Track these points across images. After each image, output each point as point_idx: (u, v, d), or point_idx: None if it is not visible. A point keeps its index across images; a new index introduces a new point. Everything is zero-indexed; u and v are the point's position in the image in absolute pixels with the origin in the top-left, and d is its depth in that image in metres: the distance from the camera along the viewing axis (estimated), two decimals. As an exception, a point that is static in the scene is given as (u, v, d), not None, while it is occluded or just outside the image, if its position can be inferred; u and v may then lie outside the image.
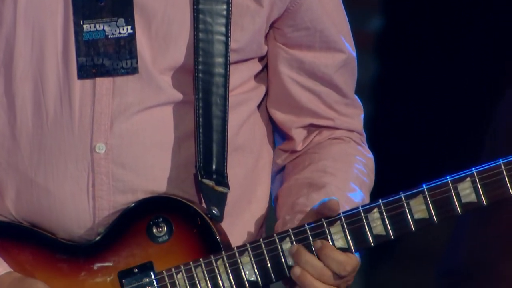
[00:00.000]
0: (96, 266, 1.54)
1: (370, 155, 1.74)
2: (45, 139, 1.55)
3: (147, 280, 1.52)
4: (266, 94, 1.70)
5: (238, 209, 1.63)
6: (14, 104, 1.56)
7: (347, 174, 1.66)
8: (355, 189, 1.64)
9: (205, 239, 1.55)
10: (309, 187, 1.62)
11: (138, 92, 1.56)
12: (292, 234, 1.51)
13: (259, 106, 1.69)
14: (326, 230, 1.50)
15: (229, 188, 1.57)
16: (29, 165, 1.56)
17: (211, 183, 1.55)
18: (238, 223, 1.64)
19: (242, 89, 1.63)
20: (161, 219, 1.54)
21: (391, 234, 1.50)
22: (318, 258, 1.49)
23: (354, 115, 1.74)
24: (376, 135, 3.96)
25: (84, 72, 1.54)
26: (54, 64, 1.54)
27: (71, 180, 1.55)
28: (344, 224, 1.50)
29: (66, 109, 1.54)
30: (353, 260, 1.50)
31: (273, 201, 1.71)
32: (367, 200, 1.66)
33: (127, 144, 1.56)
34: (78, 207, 1.55)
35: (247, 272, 1.52)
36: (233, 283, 1.51)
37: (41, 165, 1.55)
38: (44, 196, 1.56)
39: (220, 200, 1.56)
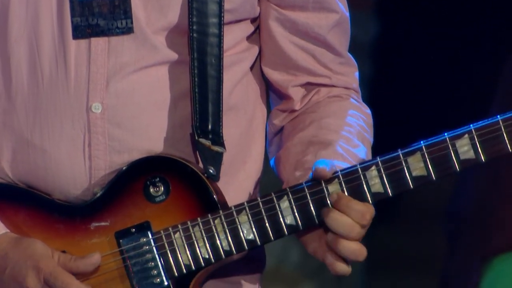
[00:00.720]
0: (93, 226, 1.54)
1: (368, 110, 1.74)
2: (41, 100, 1.54)
3: (144, 239, 1.52)
4: (259, 55, 1.69)
5: (233, 168, 1.63)
6: (9, 65, 1.55)
7: (350, 131, 1.65)
8: (359, 145, 1.63)
9: (202, 198, 1.54)
10: (315, 145, 1.61)
11: (133, 52, 1.55)
12: (290, 193, 1.51)
13: (252, 68, 1.68)
14: (324, 188, 1.50)
15: (225, 148, 1.57)
16: (25, 125, 1.55)
17: (207, 142, 1.55)
18: (234, 183, 1.63)
19: (236, 49, 1.63)
20: (158, 179, 1.53)
21: (389, 191, 1.49)
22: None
23: (349, 73, 1.73)
24: (376, 94, 3.98)
25: (79, 32, 1.53)
26: (49, 25, 1.53)
27: (67, 140, 1.54)
28: (342, 183, 1.49)
29: (61, 69, 1.53)
30: (370, 209, 1.50)
31: (274, 163, 1.70)
32: (370, 156, 1.65)
33: (123, 104, 1.55)
34: (74, 167, 1.55)
35: (245, 231, 1.51)
36: (231, 242, 1.51)
37: (37, 125, 1.55)
38: (40, 156, 1.55)
39: (216, 160, 1.56)
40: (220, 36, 1.56)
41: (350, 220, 1.48)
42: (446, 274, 3.55)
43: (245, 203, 1.52)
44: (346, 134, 1.64)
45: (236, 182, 1.64)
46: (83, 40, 1.53)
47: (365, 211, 1.48)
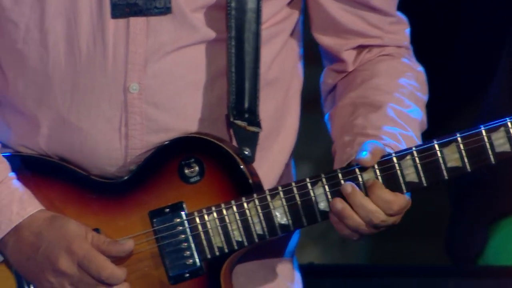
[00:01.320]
0: (127, 204, 1.54)
1: (420, 68, 1.73)
2: (78, 78, 1.54)
3: (178, 220, 1.52)
4: (309, 22, 1.69)
5: (268, 142, 1.62)
6: (47, 40, 1.53)
7: (401, 91, 1.65)
8: (411, 105, 1.63)
9: (236, 180, 1.54)
10: (365, 107, 1.61)
11: (171, 32, 1.54)
12: (324, 179, 1.51)
13: (291, 34, 1.67)
14: (359, 176, 1.50)
15: (261, 127, 1.56)
16: (62, 103, 1.54)
17: (243, 123, 1.55)
18: (268, 156, 1.63)
19: (275, 19, 1.61)
20: (193, 160, 1.53)
21: (424, 181, 1.50)
22: (366, 194, 1.48)
23: (400, 31, 1.73)
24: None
25: (118, 10, 1.52)
26: (88, 2, 1.52)
27: (103, 119, 1.54)
28: (377, 171, 1.50)
29: (99, 48, 1.53)
30: (400, 200, 1.50)
31: (326, 120, 1.70)
32: (424, 115, 1.67)
33: (161, 84, 1.55)
34: (110, 146, 1.55)
35: (278, 216, 1.51)
36: (264, 226, 1.51)
37: (74, 103, 1.54)
38: (76, 134, 1.55)
39: (252, 140, 1.56)
40: (258, 12, 1.55)
41: (375, 207, 1.47)
42: (451, 237, 3.55)
43: (279, 188, 1.52)
44: (398, 95, 1.63)
45: (271, 156, 1.64)
46: (122, 19, 1.52)
47: (394, 201, 1.48)
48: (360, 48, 1.70)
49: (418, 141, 1.60)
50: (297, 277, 1.74)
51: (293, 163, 1.73)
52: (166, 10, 1.53)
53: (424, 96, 1.71)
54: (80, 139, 1.54)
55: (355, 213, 1.47)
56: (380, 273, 3.76)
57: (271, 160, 1.64)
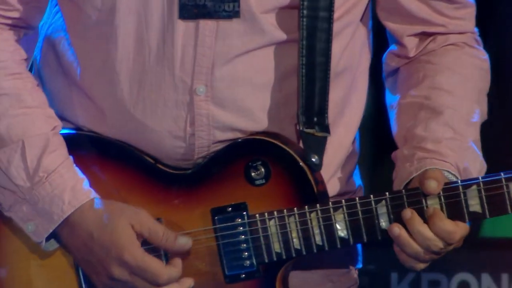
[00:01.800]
0: (190, 198, 1.54)
1: (485, 56, 1.71)
2: (146, 76, 1.53)
3: (239, 220, 1.52)
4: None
5: (333, 127, 1.60)
6: (116, 36, 1.52)
7: (464, 89, 1.64)
8: (473, 106, 1.64)
9: (301, 187, 1.54)
10: (426, 111, 1.60)
11: (241, 35, 1.52)
12: (388, 199, 1.52)
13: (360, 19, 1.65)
14: (423, 199, 1.51)
15: (329, 132, 1.56)
16: (129, 98, 1.54)
17: (312, 131, 1.54)
18: (333, 141, 1.61)
19: (345, 7, 1.58)
20: (260, 162, 1.52)
21: (487, 213, 1.51)
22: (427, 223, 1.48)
23: (466, 15, 1.70)
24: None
25: (185, 11, 1.50)
26: (159, 1, 1.50)
27: (170, 118, 1.54)
28: (442, 197, 1.50)
29: (168, 48, 1.51)
30: (462, 230, 1.50)
31: (388, 108, 1.70)
32: (485, 107, 1.67)
33: (228, 87, 1.54)
34: (176, 144, 1.54)
35: (339, 229, 1.52)
36: (324, 237, 1.52)
37: (140, 100, 1.54)
38: (141, 130, 1.54)
39: (320, 145, 1.55)
40: (331, 7, 1.53)
41: (433, 235, 1.48)
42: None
43: (343, 201, 1.53)
44: (461, 95, 1.63)
45: (336, 139, 1.63)
46: (192, 21, 1.51)
47: (455, 231, 1.49)
48: (423, 35, 1.68)
49: (477, 150, 1.60)
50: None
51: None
52: (234, 14, 1.51)
53: (486, 87, 1.70)
54: (145, 134, 1.54)
55: (412, 240, 1.48)
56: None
57: (336, 144, 1.63)
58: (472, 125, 1.62)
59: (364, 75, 1.71)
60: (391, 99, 1.71)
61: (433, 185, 1.47)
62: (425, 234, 1.48)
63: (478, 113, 1.64)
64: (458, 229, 1.50)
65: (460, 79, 1.65)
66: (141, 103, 1.53)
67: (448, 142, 1.56)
